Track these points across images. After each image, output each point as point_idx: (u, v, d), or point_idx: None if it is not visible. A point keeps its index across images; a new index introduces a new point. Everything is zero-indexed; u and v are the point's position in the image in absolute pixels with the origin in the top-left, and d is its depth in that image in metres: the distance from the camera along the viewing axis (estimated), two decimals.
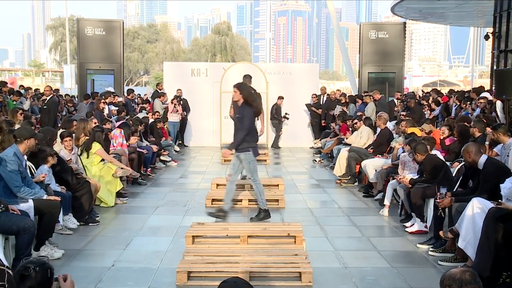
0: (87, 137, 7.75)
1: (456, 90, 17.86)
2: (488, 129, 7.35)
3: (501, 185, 4.92)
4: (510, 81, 8.98)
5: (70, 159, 6.98)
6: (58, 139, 7.36)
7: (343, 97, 15.41)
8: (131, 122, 10.33)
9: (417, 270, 5.12)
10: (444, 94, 15.87)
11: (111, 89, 14.95)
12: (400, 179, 6.80)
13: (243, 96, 6.76)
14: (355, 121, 10.52)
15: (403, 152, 7.46)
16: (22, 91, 15.12)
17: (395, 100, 14.44)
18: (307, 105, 15.19)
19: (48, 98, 12.60)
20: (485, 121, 8.15)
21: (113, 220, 6.98)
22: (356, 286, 4.67)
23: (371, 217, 7.24)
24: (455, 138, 8.03)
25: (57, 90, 18.33)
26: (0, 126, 7.27)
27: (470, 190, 5.52)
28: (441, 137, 8.31)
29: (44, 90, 13.54)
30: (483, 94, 11.60)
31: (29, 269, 2.40)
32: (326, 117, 14.63)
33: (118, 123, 10.05)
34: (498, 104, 9.80)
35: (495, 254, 4.46)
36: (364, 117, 10.83)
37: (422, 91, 24.23)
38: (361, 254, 5.58)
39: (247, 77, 9.07)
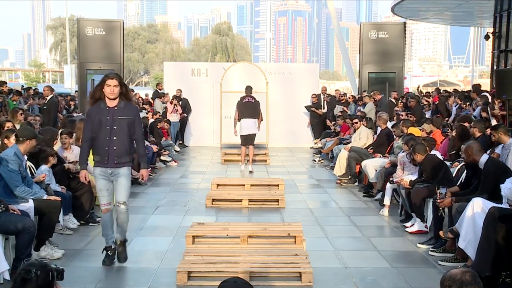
0: None
1: (459, 91, 17.88)
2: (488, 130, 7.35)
3: (501, 185, 4.92)
4: (510, 81, 8.99)
5: (66, 156, 6.96)
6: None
7: (343, 97, 15.41)
8: None
9: (417, 270, 5.12)
10: (436, 94, 15.94)
11: None
12: (399, 181, 6.80)
13: (123, 92, 4.99)
14: (355, 120, 10.52)
15: (402, 152, 7.46)
16: (22, 91, 15.13)
17: (393, 100, 14.44)
18: (306, 107, 15.18)
19: (48, 98, 12.60)
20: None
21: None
22: (356, 286, 4.67)
23: (371, 217, 7.24)
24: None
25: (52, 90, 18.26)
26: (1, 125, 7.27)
27: (471, 190, 5.52)
28: (450, 136, 8.30)
29: (44, 90, 13.53)
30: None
31: (30, 273, 2.40)
32: (329, 116, 14.64)
33: None
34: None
35: (495, 253, 4.46)
36: (365, 117, 10.82)
37: (420, 91, 24.18)
38: (361, 254, 5.58)
39: (248, 88, 10.82)
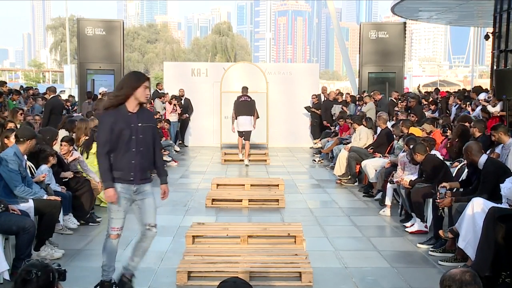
0: (87, 137, 7.75)
1: (458, 90, 17.89)
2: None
3: (501, 185, 4.93)
4: (510, 81, 9.00)
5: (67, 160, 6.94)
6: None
7: (340, 96, 15.40)
8: None
9: (417, 270, 5.12)
10: (436, 94, 15.94)
11: (103, 89, 14.88)
12: (399, 181, 6.80)
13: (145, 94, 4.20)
14: (355, 124, 10.49)
15: (402, 152, 7.46)
16: (22, 91, 15.15)
17: (394, 100, 14.46)
18: (306, 107, 15.17)
19: (49, 98, 12.61)
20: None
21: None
22: (356, 286, 4.67)
23: (371, 217, 7.24)
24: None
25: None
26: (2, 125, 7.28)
27: (471, 190, 5.52)
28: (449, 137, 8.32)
29: (46, 91, 13.54)
30: (481, 96, 11.56)
31: (30, 273, 2.40)
32: (326, 117, 14.64)
33: None
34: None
35: (494, 253, 4.47)
36: (364, 117, 10.81)
37: (419, 91, 24.23)
38: (361, 254, 5.58)
39: (245, 89, 11.81)
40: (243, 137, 11.80)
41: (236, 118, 11.73)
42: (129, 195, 4.18)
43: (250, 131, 11.80)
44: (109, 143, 4.08)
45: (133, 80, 4.14)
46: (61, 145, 6.91)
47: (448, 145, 8.07)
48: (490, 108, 9.92)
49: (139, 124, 4.14)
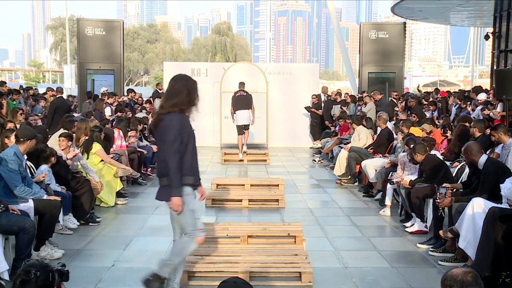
0: (87, 137, 7.75)
1: (459, 90, 17.91)
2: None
3: (501, 185, 4.92)
4: (510, 81, 9.00)
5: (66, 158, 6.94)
6: (52, 140, 7.34)
7: (338, 96, 15.39)
8: (129, 120, 10.37)
9: (417, 270, 5.12)
10: (436, 94, 15.95)
11: (104, 89, 14.90)
12: (399, 181, 6.80)
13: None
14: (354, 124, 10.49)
15: (403, 152, 7.46)
16: (21, 91, 15.14)
17: (394, 100, 14.47)
18: (306, 108, 15.17)
19: (53, 98, 12.63)
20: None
21: (113, 220, 6.98)
22: (356, 286, 4.67)
23: (371, 217, 7.24)
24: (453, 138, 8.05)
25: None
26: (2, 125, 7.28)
27: (471, 190, 5.52)
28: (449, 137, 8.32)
29: (47, 91, 13.58)
30: (480, 96, 11.55)
31: (29, 274, 2.39)
32: (327, 117, 14.64)
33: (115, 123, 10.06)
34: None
35: (494, 253, 4.47)
36: (364, 117, 10.81)
37: (419, 90, 24.22)
38: (361, 254, 5.58)
39: (241, 84, 12.18)
40: (243, 132, 12.16)
41: (234, 113, 12.11)
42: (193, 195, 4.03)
43: (249, 124, 12.26)
44: (179, 145, 3.90)
45: (195, 84, 4.09)
46: (59, 141, 6.91)
47: (444, 151, 8.05)
48: (492, 115, 9.89)
49: (193, 129, 4.07)
